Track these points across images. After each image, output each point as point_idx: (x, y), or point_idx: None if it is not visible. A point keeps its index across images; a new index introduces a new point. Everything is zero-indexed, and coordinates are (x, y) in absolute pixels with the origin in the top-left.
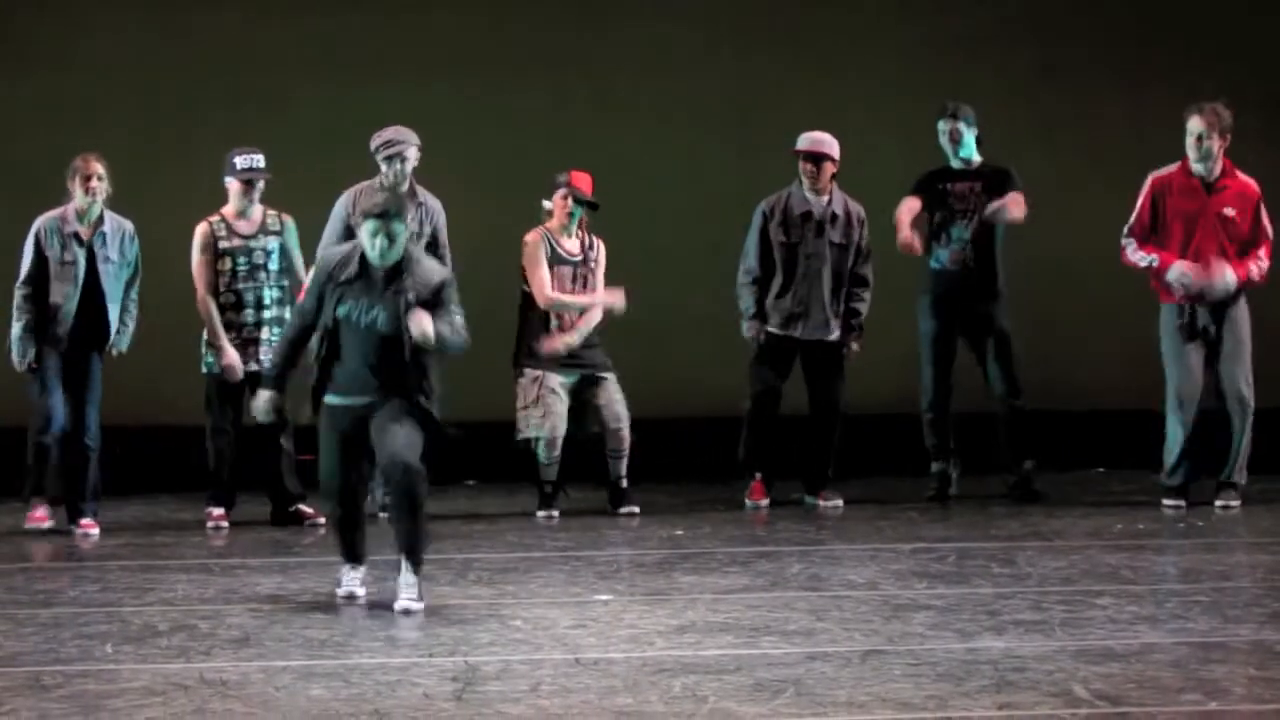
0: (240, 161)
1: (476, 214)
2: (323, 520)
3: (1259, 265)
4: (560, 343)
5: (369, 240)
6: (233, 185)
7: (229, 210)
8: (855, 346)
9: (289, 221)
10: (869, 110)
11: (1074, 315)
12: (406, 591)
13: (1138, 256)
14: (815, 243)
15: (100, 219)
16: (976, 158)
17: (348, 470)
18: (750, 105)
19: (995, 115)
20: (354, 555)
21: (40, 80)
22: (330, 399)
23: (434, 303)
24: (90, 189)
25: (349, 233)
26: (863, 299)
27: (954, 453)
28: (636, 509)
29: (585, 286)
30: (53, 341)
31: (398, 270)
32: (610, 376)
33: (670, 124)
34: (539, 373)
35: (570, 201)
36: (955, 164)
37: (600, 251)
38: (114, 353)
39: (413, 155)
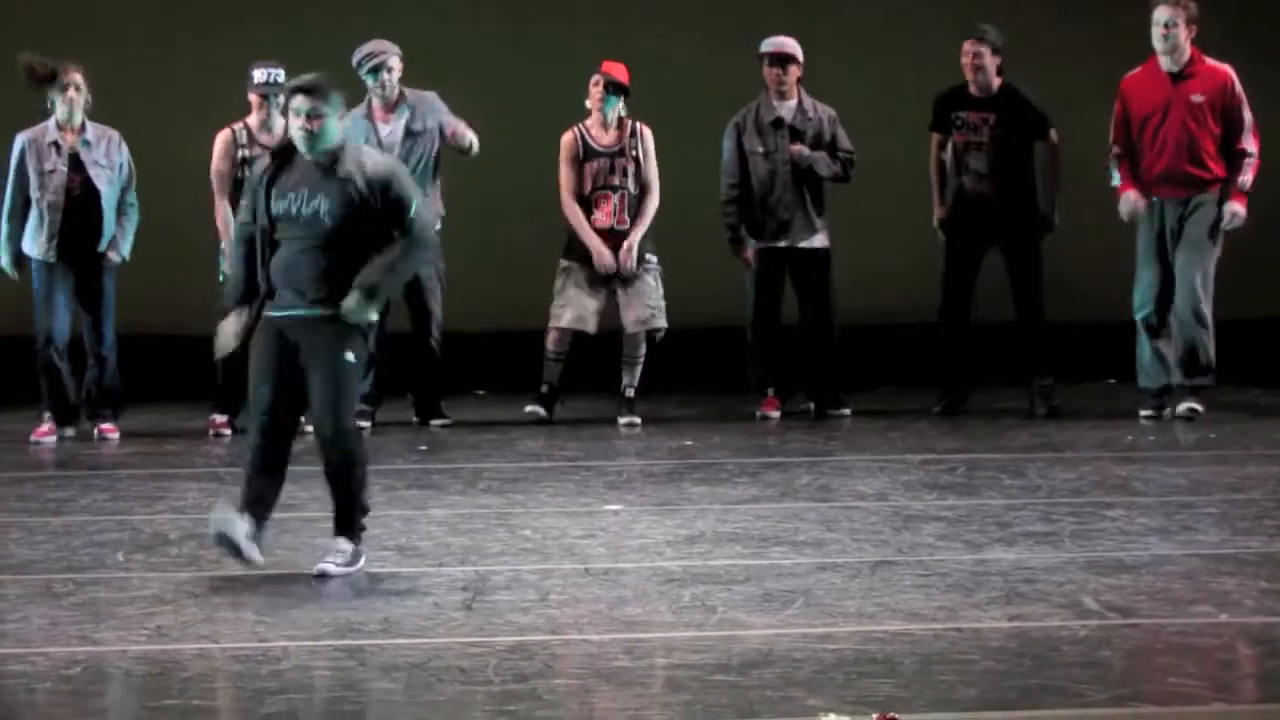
0: (258, 75)
1: (498, 123)
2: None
3: (1247, 161)
4: (625, 259)
5: (293, 121)
6: (252, 99)
7: (253, 121)
8: (800, 148)
9: None
10: (883, 20)
11: (1085, 227)
12: (331, 554)
13: (1111, 168)
14: (788, 149)
15: (83, 127)
16: (995, 84)
17: (276, 393)
18: (763, 13)
19: (1011, 29)
20: (256, 503)
21: None
22: (268, 312)
23: (383, 207)
24: (69, 99)
25: None
26: (836, 170)
27: (966, 365)
28: (637, 420)
29: (625, 177)
30: (45, 251)
31: (336, 159)
32: (645, 277)
33: (680, 32)
34: (570, 264)
35: (602, 88)
36: (972, 89)
37: (646, 140)
38: (115, 258)
39: (396, 65)
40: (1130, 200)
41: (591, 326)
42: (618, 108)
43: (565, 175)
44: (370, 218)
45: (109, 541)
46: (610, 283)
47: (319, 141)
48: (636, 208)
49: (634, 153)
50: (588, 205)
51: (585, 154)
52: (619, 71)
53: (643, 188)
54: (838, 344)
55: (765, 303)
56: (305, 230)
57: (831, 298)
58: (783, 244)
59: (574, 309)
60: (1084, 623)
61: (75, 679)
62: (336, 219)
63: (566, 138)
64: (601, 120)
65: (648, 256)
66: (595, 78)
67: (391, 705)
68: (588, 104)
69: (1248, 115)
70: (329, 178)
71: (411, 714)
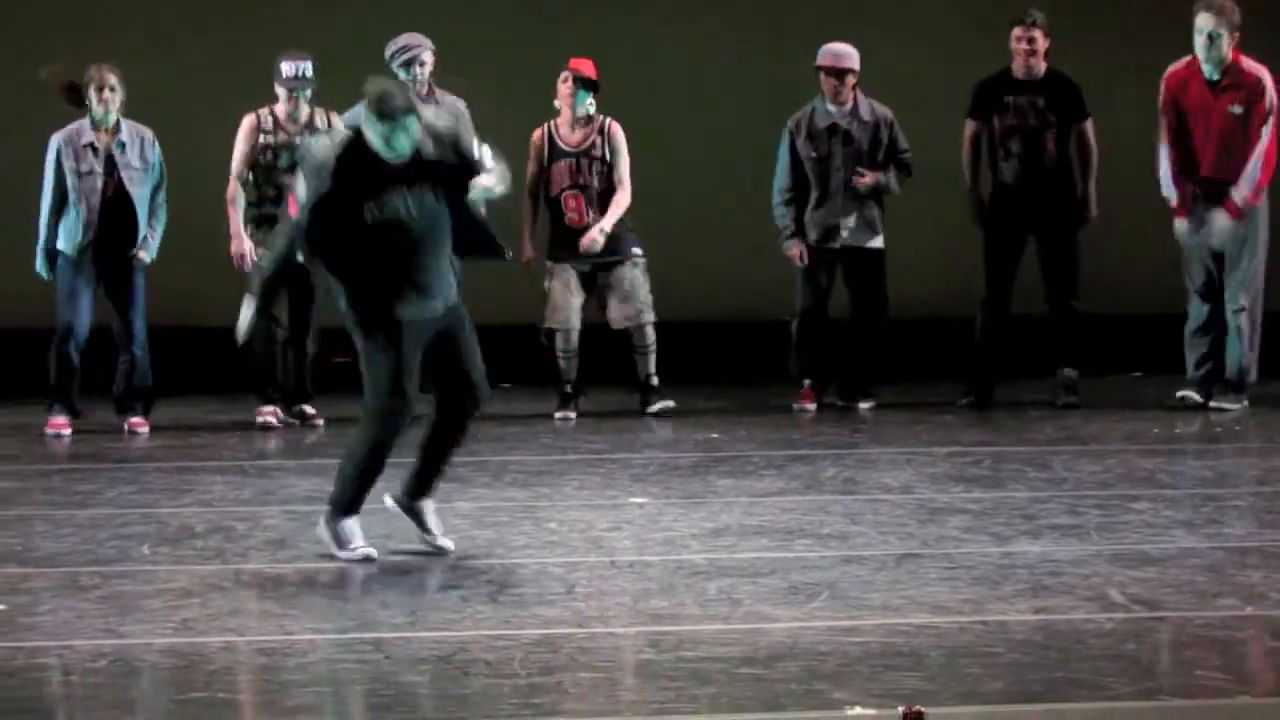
0: (286, 69)
1: (500, 113)
2: (322, 421)
3: (1253, 167)
4: (591, 238)
5: (383, 142)
6: (280, 92)
7: (280, 110)
8: (868, 179)
9: (338, 124)
10: (901, 7)
11: (1113, 219)
12: (439, 524)
13: (1164, 183)
14: (843, 154)
15: (117, 126)
16: (1043, 68)
17: (409, 398)
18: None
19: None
20: (358, 505)
21: None
22: (404, 313)
23: (464, 161)
24: (104, 99)
25: None
26: (901, 177)
27: (995, 359)
28: (670, 404)
29: (592, 175)
30: (79, 249)
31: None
32: (629, 265)
33: (702, 16)
34: (553, 264)
35: (571, 84)
36: (1019, 74)
37: (615, 137)
38: (145, 257)
39: (428, 59)
40: (1182, 229)
41: (577, 322)
42: (588, 103)
43: (527, 170)
44: (455, 176)
45: (135, 534)
46: (596, 279)
47: (405, 150)
48: (606, 204)
49: (600, 152)
50: (556, 205)
51: (551, 155)
52: (586, 67)
53: (612, 185)
54: (884, 342)
55: (813, 298)
56: (421, 224)
57: (885, 296)
58: (835, 245)
59: (561, 311)
60: (1110, 616)
61: (101, 672)
62: (440, 205)
63: (535, 135)
64: (571, 118)
65: (635, 250)
66: (564, 74)
67: (417, 698)
68: (556, 103)
69: (1268, 131)
70: (417, 164)
71: (437, 707)
